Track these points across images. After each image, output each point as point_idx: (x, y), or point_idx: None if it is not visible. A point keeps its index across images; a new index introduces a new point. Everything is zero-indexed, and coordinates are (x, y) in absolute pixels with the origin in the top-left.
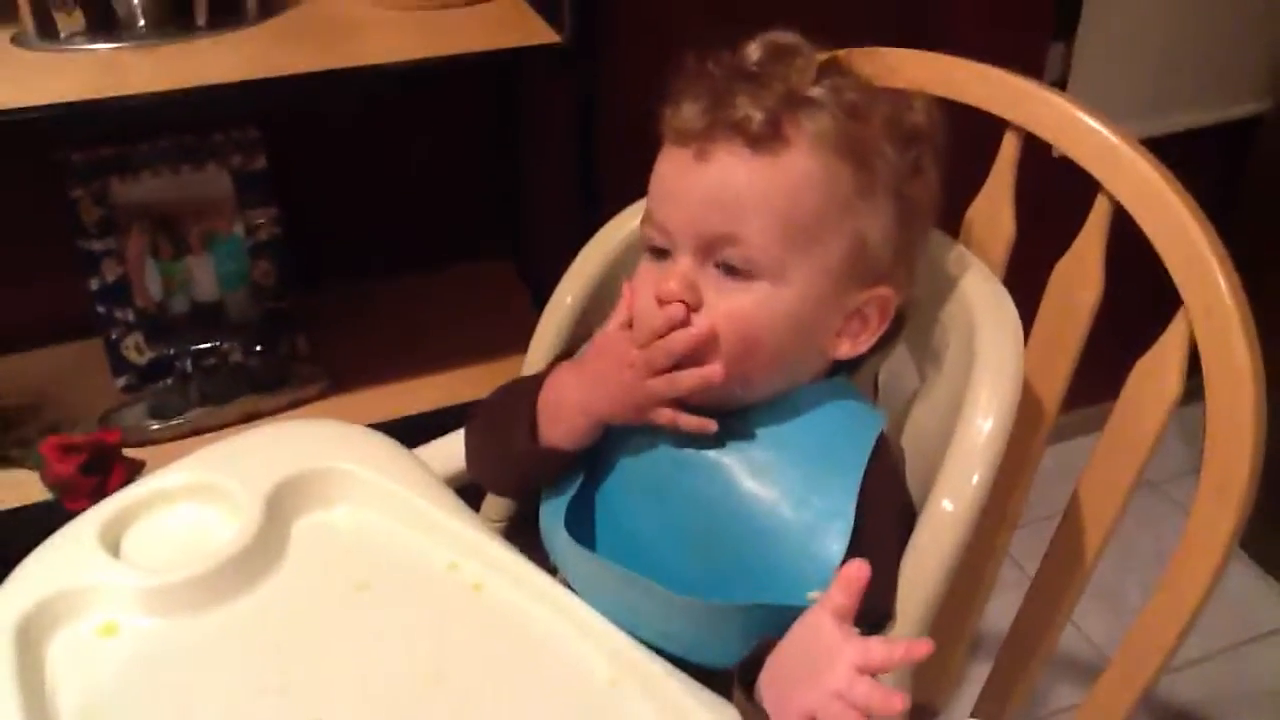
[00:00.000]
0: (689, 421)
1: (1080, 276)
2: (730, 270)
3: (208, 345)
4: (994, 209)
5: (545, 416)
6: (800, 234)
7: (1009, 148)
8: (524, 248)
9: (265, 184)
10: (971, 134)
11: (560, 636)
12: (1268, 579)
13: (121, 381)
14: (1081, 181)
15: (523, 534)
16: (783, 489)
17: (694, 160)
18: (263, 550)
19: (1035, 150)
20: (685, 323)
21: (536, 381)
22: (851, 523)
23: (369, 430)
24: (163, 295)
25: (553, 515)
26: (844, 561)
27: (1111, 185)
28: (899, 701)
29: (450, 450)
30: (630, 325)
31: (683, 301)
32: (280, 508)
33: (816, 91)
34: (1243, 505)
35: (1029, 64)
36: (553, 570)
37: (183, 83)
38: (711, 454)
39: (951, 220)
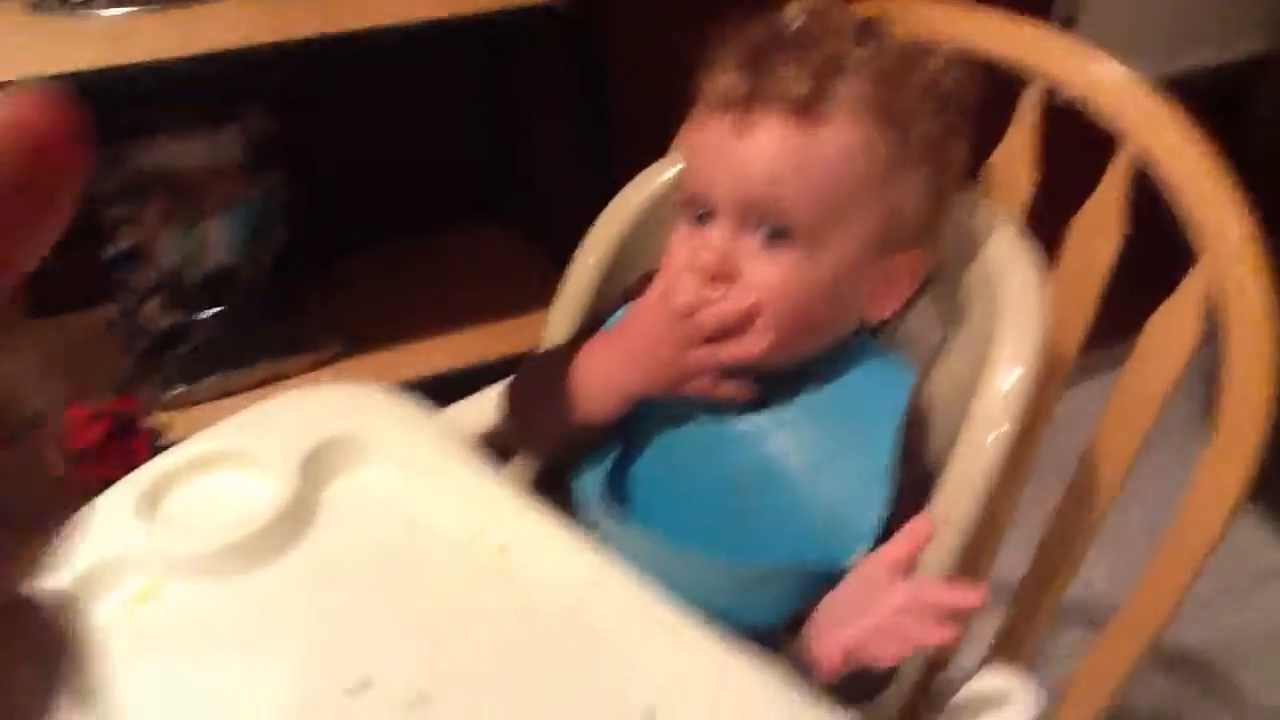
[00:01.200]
0: (727, 388)
1: (1100, 227)
2: (768, 238)
3: (224, 310)
4: (1015, 160)
5: (579, 394)
6: (839, 203)
7: (1030, 98)
8: (532, 210)
9: (277, 148)
10: (989, 82)
11: (591, 601)
12: (1268, 523)
13: (140, 347)
14: (1094, 127)
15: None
16: (818, 451)
17: (735, 129)
18: (299, 515)
19: (1051, 97)
20: (725, 296)
21: (564, 357)
22: (889, 483)
23: (394, 393)
24: (179, 262)
25: (590, 486)
26: (887, 519)
27: (1135, 136)
28: (975, 597)
29: (477, 410)
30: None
31: (718, 274)
32: (315, 472)
33: (857, 55)
34: (1253, 461)
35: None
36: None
37: (188, 49)
38: (747, 419)
39: (971, 170)
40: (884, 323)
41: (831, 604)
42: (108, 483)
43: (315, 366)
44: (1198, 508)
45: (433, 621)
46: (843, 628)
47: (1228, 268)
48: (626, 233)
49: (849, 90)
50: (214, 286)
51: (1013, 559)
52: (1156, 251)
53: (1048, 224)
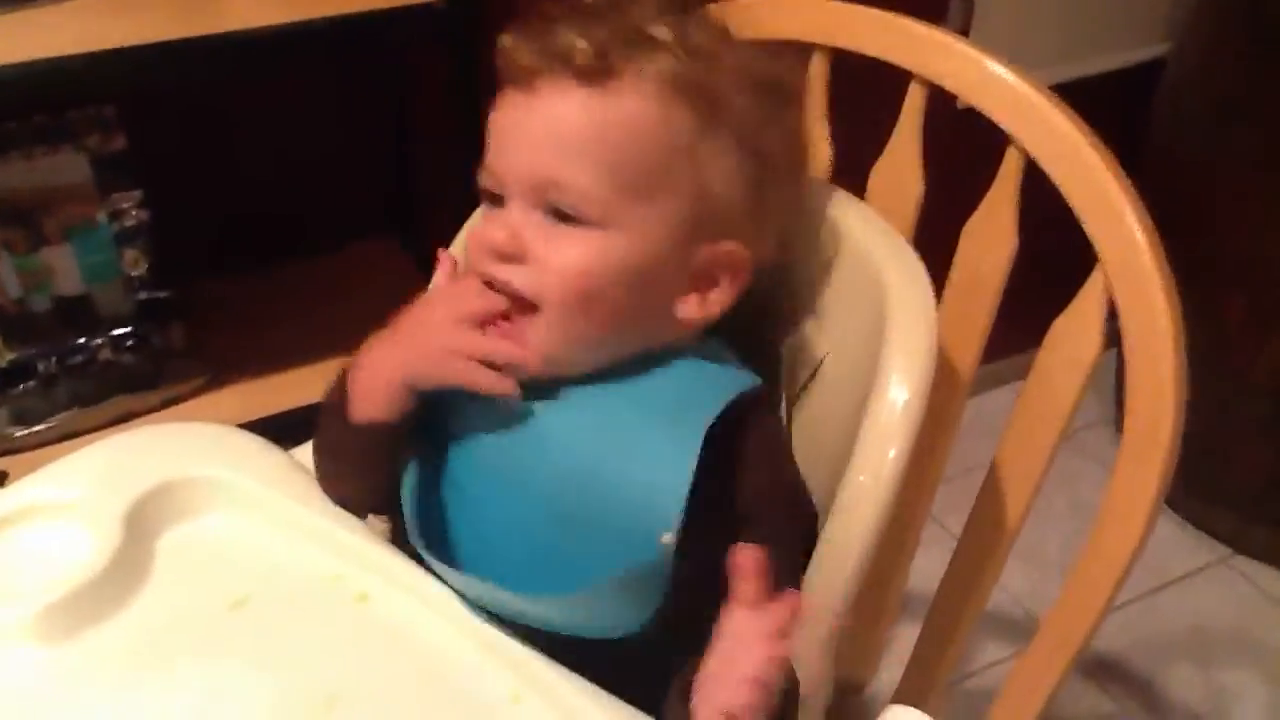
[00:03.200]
0: (487, 379)
1: (992, 234)
2: (560, 217)
3: (74, 343)
4: (900, 166)
5: (355, 392)
6: (633, 178)
7: (914, 101)
8: (411, 222)
9: (127, 166)
10: (873, 86)
11: (456, 649)
12: (1181, 525)
13: None
14: (990, 133)
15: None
16: (631, 447)
17: (521, 99)
18: (123, 572)
19: (940, 102)
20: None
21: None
22: (689, 461)
23: (238, 430)
24: (21, 292)
25: (408, 522)
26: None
27: (1023, 138)
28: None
29: None
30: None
31: (505, 255)
32: (142, 523)
33: (658, 30)
34: (1167, 466)
35: (931, 11)
36: None
37: (24, 56)
38: (564, 423)
39: (857, 179)
40: (753, 335)
41: (705, 669)
42: None
43: (173, 402)
44: (1114, 520)
45: (285, 684)
46: (720, 689)
47: (1124, 272)
48: None
49: (646, 59)
50: (63, 318)
51: (924, 564)
52: (1067, 249)
53: (941, 229)
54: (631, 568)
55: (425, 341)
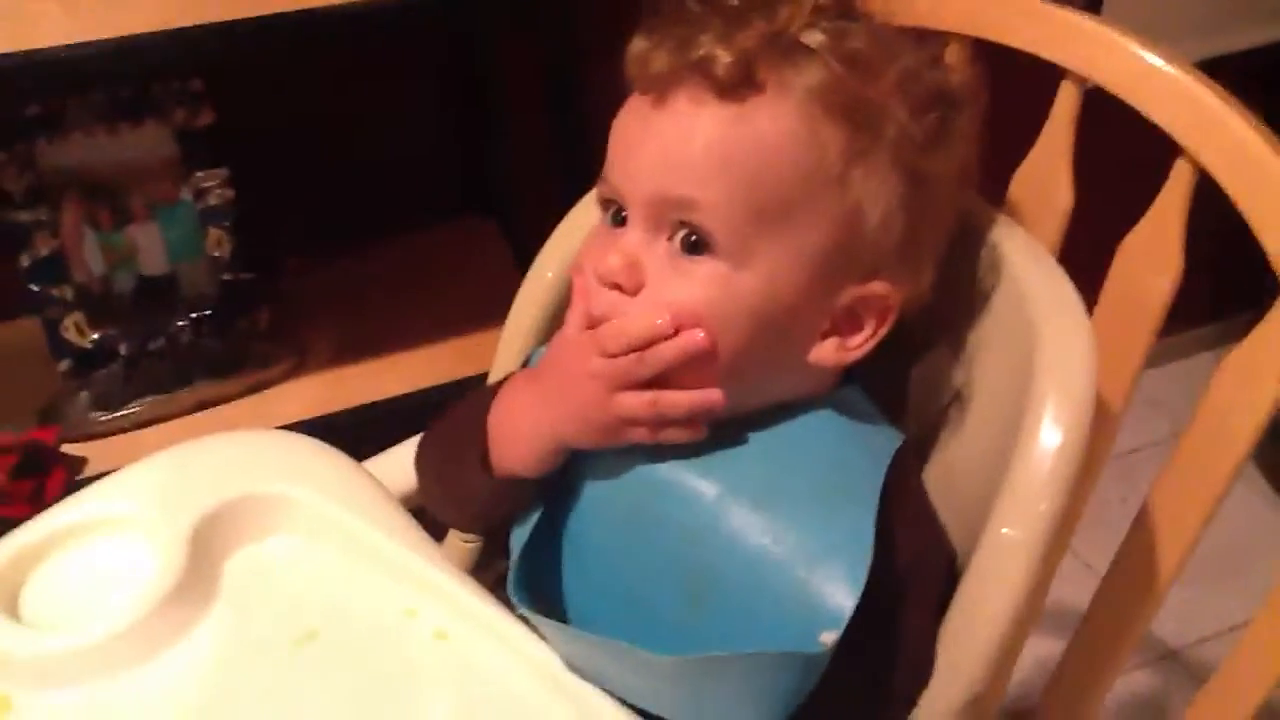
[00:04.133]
0: (675, 434)
1: (1155, 257)
2: (688, 247)
3: (156, 326)
4: (1048, 174)
5: (498, 441)
6: (772, 205)
7: (1066, 100)
8: (505, 203)
9: (213, 142)
10: (1020, 80)
11: (535, 698)
12: None
13: (63, 366)
14: (1152, 137)
15: (497, 557)
16: (778, 519)
17: (651, 108)
18: (187, 598)
19: (1095, 100)
20: (667, 329)
21: (481, 403)
22: (865, 560)
23: (310, 441)
24: (105, 270)
25: (510, 575)
26: (858, 605)
27: (1197, 149)
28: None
29: (409, 462)
30: (591, 321)
31: (617, 285)
32: (208, 543)
33: (811, 36)
34: None
35: None
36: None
37: (106, 33)
38: (694, 477)
39: (996, 187)
40: (878, 371)
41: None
42: (13, 525)
43: (259, 388)
44: None
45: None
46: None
47: None
48: None
49: (795, 71)
50: (147, 297)
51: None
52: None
53: (1089, 248)
54: (782, 659)
55: (588, 408)
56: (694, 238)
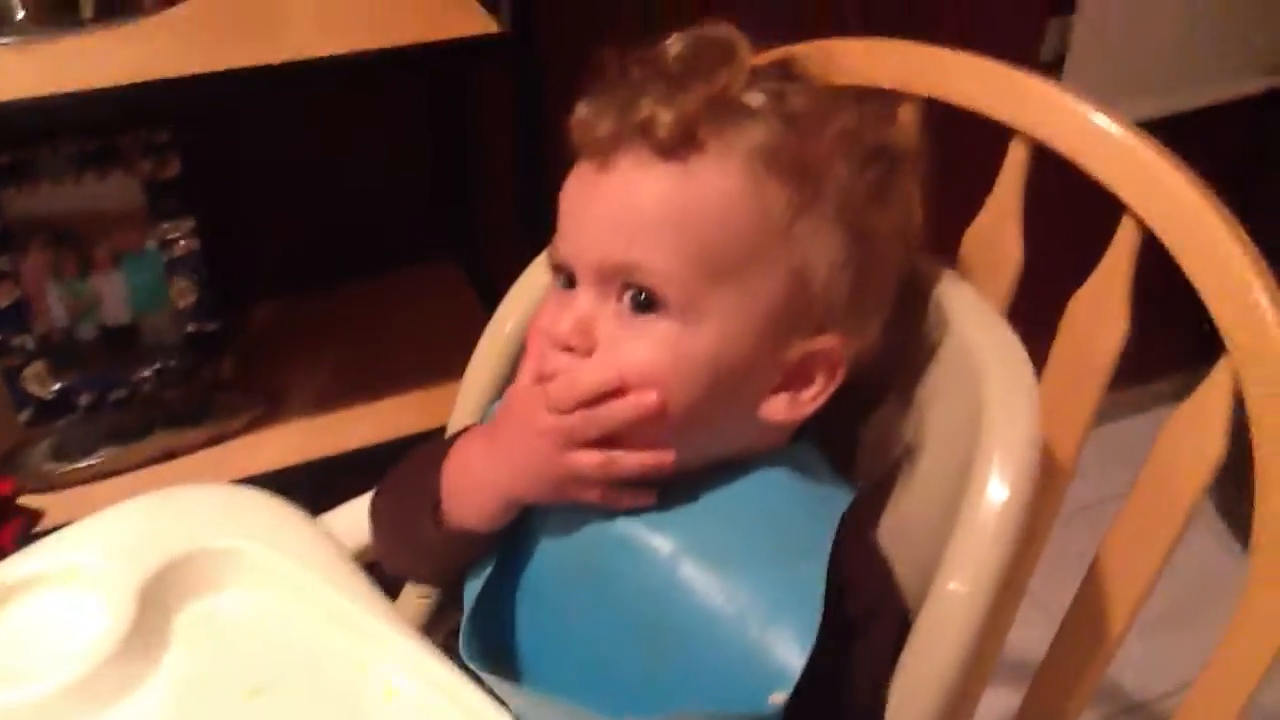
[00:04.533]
0: (625, 497)
1: (1102, 313)
2: (638, 306)
3: (118, 376)
4: (998, 231)
5: (450, 494)
6: (719, 263)
7: (1015, 158)
8: (471, 247)
9: (180, 192)
10: (967, 137)
11: None
12: None
13: (24, 416)
14: (1095, 192)
15: (452, 611)
16: (729, 577)
17: (596, 173)
18: (136, 651)
19: (1046, 157)
20: (619, 387)
21: (434, 457)
22: (814, 619)
23: (263, 494)
24: (67, 320)
25: (462, 631)
26: (808, 663)
27: (1140, 207)
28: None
29: (365, 517)
30: (543, 378)
31: (569, 348)
32: (158, 596)
33: (751, 97)
34: None
35: (1025, 39)
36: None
37: (76, 84)
38: (647, 532)
39: (948, 243)
40: (828, 426)
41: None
42: None
43: (222, 439)
44: (1242, 639)
45: None
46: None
47: (1256, 365)
48: None
49: (736, 132)
50: (110, 347)
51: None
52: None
53: (1041, 304)
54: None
55: (539, 464)
56: (643, 296)
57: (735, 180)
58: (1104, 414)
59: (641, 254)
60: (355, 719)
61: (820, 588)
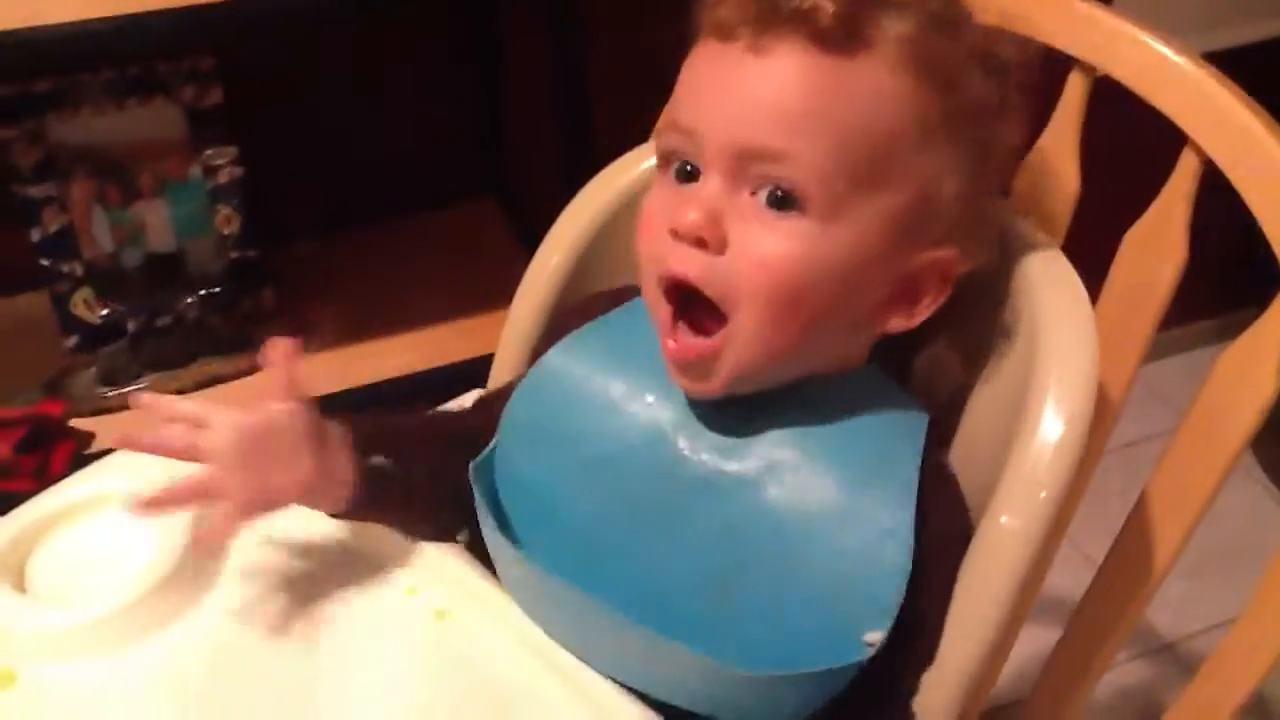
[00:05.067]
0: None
1: (1160, 246)
2: (772, 200)
3: (163, 302)
4: (1055, 162)
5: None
6: (866, 164)
7: (1075, 89)
8: (509, 184)
9: (223, 120)
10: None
11: (538, 681)
12: None
13: (71, 341)
14: (1159, 127)
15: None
16: (822, 504)
17: (742, 55)
18: (191, 575)
19: (1101, 88)
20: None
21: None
22: (909, 543)
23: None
24: (113, 246)
25: (501, 542)
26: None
27: (1203, 139)
28: None
29: None
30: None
31: (700, 241)
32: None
33: None
34: None
35: None
36: None
37: (116, 9)
38: (730, 460)
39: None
40: (887, 351)
41: None
42: (18, 500)
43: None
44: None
45: (362, 698)
46: None
47: None
48: (601, 225)
49: (892, 22)
50: (155, 274)
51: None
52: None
53: (1095, 237)
54: (826, 668)
55: None
56: (780, 193)
57: (893, 78)
58: None
59: (790, 144)
60: (406, 642)
61: (911, 514)
